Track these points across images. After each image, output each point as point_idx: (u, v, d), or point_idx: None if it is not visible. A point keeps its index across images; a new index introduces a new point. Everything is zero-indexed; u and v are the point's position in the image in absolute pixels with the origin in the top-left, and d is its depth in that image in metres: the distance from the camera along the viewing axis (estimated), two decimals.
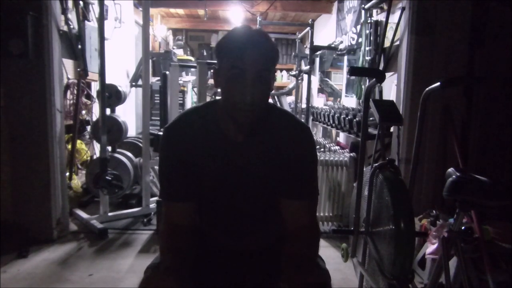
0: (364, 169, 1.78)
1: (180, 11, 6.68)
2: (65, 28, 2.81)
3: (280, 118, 1.08)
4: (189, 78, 5.30)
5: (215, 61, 1.02)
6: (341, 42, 4.30)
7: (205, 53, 7.75)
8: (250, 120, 0.97)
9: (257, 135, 1.03)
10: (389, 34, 2.79)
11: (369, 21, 3.16)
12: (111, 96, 3.13)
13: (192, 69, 4.97)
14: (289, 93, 5.73)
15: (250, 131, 1.02)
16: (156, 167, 3.46)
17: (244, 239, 1.14)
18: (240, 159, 1.04)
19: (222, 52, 0.96)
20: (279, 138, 1.05)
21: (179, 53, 6.39)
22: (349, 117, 2.92)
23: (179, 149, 1.04)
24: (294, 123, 1.09)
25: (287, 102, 5.66)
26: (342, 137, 4.27)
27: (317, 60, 4.49)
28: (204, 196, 1.09)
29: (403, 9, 2.51)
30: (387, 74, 2.59)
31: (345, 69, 4.89)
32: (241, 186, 1.06)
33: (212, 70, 1.03)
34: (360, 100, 3.45)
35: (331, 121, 3.45)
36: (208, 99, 3.75)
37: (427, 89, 1.75)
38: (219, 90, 1.00)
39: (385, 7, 2.90)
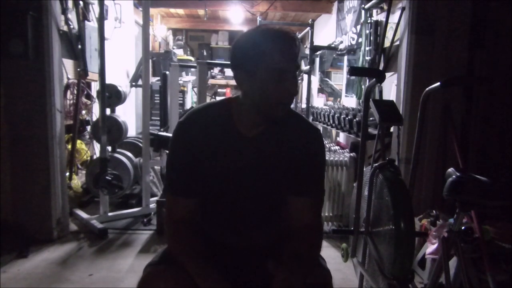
0: (364, 169, 1.78)
1: (180, 11, 6.68)
2: (65, 28, 2.81)
3: (292, 118, 1.11)
4: (189, 78, 5.30)
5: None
6: (341, 42, 4.30)
7: (205, 53, 7.75)
8: (285, 113, 1.03)
9: (268, 132, 1.06)
10: (389, 34, 2.79)
11: (369, 21, 3.16)
12: (111, 96, 3.13)
13: (192, 69, 4.97)
14: None
15: (273, 124, 1.06)
16: (156, 167, 3.47)
17: (249, 236, 1.15)
18: (251, 154, 1.06)
19: (255, 53, 0.97)
20: (291, 136, 1.08)
21: (179, 53, 6.39)
22: (349, 117, 2.92)
23: (190, 144, 1.05)
24: (306, 124, 1.13)
25: None
26: (342, 137, 4.27)
27: (317, 60, 4.49)
28: (212, 192, 1.09)
29: (403, 9, 2.51)
30: (387, 74, 2.59)
31: (345, 69, 4.88)
32: (249, 182, 1.07)
33: (233, 72, 1.04)
34: (360, 100, 3.45)
35: (331, 121, 3.45)
36: (208, 99, 3.75)
37: (427, 89, 1.75)
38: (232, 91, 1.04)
39: (385, 7, 2.90)
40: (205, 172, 1.06)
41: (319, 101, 5.01)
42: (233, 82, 5.97)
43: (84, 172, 3.51)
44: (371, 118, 2.26)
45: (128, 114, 4.68)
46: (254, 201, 1.09)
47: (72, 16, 2.94)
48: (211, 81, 7.44)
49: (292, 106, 5.01)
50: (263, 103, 1.00)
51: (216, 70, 7.60)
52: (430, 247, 1.93)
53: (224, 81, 7.73)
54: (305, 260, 0.98)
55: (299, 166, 1.06)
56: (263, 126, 1.06)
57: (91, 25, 3.28)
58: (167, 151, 1.13)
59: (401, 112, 2.20)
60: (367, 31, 3.15)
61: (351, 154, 2.94)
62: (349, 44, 4.04)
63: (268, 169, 1.07)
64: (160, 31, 6.93)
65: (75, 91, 3.30)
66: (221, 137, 1.05)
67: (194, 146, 1.04)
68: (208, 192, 1.09)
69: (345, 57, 4.47)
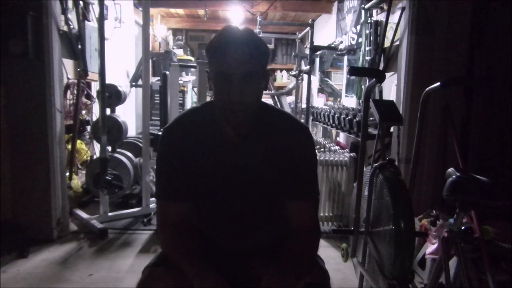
0: (364, 169, 1.78)
1: (180, 11, 6.68)
2: (65, 28, 2.81)
3: (279, 117, 1.09)
4: (189, 78, 5.29)
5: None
6: (341, 42, 4.30)
7: (205, 53, 7.74)
8: (242, 120, 0.97)
9: (255, 134, 1.04)
10: (389, 34, 2.79)
11: (369, 21, 3.16)
12: (111, 96, 3.13)
13: (192, 69, 4.96)
14: (289, 93, 5.72)
15: (245, 131, 1.02)
16: None
17: (244, 239, 1.14)
18: (239, 158, 1.04)
19: (209, 55, 0.97)
20: (278, 137, 1.05)
21: (179, 53, 6.37)
22: (349, 117, 2.92)
23: (178, 149, 1.04)
24: (293, 123, 1.09)
25: (287, 102, 5.65)
26: (342, 137, 4.27)
27: (317, 60, 4.49)
28: (204, 196, 1.08)
29: (403, 9, 2.51)
30: (387, 74, 2.59)
31: (345, 69, 4.89)
32: (241, 186, 1.06)
33: (206, 74, 1.03)
34: (360, 100, 3.45)
35: (331, 121, 3.45)
36: (208, 99, 3.75)
37: (427, 89, 1.75)
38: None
39: (385, 7, 2.90)
40: (195, 176, 1.05)
41: (319, 101, 5.02)
42: None
43: (84, 172, 3.51)
44: (371, 118, 2.26)
45: (128, 114, 4.68)
46: (247, 204, 1.08)
47: (72, 16, 2.94)
48: None
49: (292, 106, 4.99)
50: (219, 108, 0.99)
51: None
52: (430, 247, 1.93)
53: None
54: (300, 261, 0.98)
55: (291, 168, 1.04)
56: (248, 129, 1.03)
57: (91, 25, 3.28)
58: (155, 158, 1.11)
59: (401, 112, 2.20)
60: (367, 31, 3.15)
61: (351, 154, 2.94)
62: (349, 44, 4.03)
63: (259, 171, 1.05)
64: (160, 31, 6.93)
65: (75, 91, 3.30)
66: (208, 141, 1.04)
67: (182, 151, 1.03)
68: (200, 196, 1.08)
69: (345, 57, 4.48)
